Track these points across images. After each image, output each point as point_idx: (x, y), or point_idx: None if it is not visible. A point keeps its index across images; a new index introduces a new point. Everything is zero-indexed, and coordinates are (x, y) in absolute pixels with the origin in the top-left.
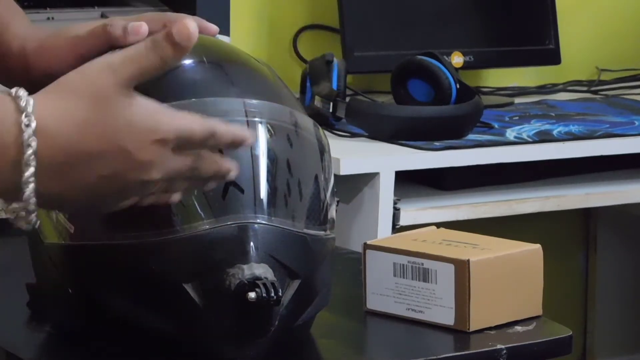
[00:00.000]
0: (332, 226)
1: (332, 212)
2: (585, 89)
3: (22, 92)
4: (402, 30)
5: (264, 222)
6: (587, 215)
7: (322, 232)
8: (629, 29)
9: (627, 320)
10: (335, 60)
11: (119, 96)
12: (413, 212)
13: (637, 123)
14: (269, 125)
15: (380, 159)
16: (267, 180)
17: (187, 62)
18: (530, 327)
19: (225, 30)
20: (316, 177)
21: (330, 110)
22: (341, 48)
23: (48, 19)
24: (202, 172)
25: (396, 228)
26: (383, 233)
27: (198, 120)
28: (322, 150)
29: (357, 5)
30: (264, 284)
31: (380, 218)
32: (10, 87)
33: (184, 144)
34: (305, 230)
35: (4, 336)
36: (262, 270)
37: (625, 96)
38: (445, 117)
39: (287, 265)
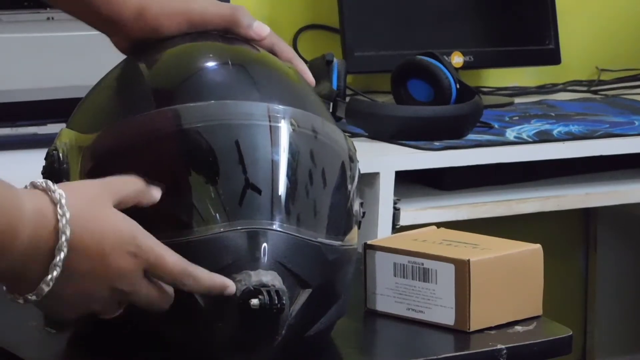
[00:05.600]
0: (354, 237)
1: (354, 223)
2: (585, 89)
3: (64, 202)
4: (402, 30)
5: (275, 228)
6: (587, 215)
7: (338, 242)
8: (629, 29)
9: (627, 320)
10: (335, 60)
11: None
12: (413, 212)
13: (637, 123)
14: (291, 131)
15: (380, 159)
16: (282, 186)
17: (211, 64)
18: (530, 327)
19: None
20: (338, 187)
21: (330, 110)
22: (341, 48)
23: (48, 19)
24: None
25: (396, 228)
26: (383, 233)
27: (175, 256)
28: (349, 160)
29: (357, 5)
30: (268, 291)
31: (380, 218)
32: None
33: (155, 272)
34: (320, 239)
35: (4, 336)
36: (269, 277)
37: (625, 96)
38: (445, 117)
39: (297, 274)
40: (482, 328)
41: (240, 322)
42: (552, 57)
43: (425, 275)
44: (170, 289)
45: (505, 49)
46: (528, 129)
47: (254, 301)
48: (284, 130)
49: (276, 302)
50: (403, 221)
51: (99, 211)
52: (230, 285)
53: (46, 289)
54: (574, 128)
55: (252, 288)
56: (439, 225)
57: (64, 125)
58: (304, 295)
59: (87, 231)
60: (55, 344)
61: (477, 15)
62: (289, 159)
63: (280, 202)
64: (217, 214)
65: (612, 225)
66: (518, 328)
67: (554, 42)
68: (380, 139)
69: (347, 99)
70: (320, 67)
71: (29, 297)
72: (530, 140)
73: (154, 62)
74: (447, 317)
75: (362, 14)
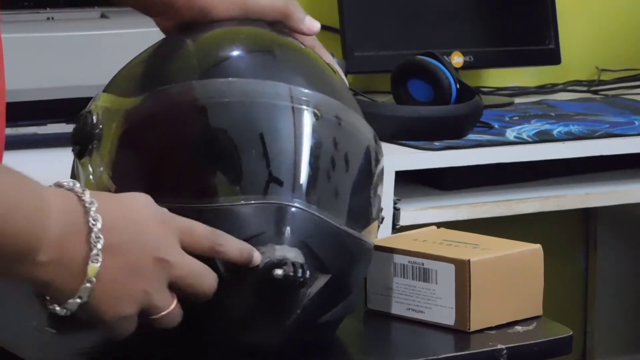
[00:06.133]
0: (372, 234)
1: (375, 223)
2: (585, 89)
3: (93, 209)
4: (402, 30)
5: (302, 207)
6: (587, 215)
7: (358, 234)
8: (629, 29)
9: (627, 320)
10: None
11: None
12: (413, 212)
13: (637, 123)
14: (314, 115)
15: None
16: (309, 167)
17: (252, 47)
18: (530, 327)
19: None
20: (361, 177)
21: None
22: (341, 48)
23: (48, 19)
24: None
25: (396, 228)
26: (383, 233)
27: (203, 224)
28: (374, 157)
29: (357, 5)
30: (293, 264)
31: None
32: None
33: (188, 239)
34: (344, 227)
35: (4, 336)
36: (293, 253)
37: (625, 96)
38: (445, 117)
39: (319, 257)
40: (482, 328)
41: (259, 294)
42: (552, 57)
43: (425, 275)
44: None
45: (505, 49)
46: (528, 129)
47: (278, 271)
48: (307, 112)
49: (299, 274)
50: (403, 221)
51: (122, 195)
52: (256, 256)
53: (97, 265)
54: (574, 128)
55: (275, 261)
56: (439, 225)
57: (64, 125)
58: (322, 280)
59: (114, 208)
60: (55, 344)
61: (477, 15)
62: (313, 141)
63: (305, 181)
64: (247, 186)
65: (612, 225)
66: (518, 328)
67: (554, 42)
68: (380, 139)
69: None
70: None
71: (82, 288)
72: (530, 140)
73: (198, 38)
74: (447, 317)
75: (362, 14)
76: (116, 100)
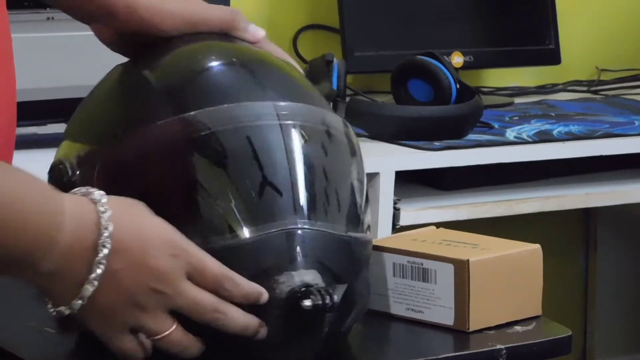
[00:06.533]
0: (369, 228)
1: (368, 214)
2: (585, 89)
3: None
4: (402, 30)
5: (308, 227)
6: (587, 215)
7: (362, 235)
8: (629, 29)
9: (627, 320)
10: (335, 60)
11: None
12: (413, 212)
13: (637, 123)
14: (302, 128)
15: (380, 159)
16: (306, 184)
17: (216, 64)
18: (530, 327)
19: None
20: (351, 179)
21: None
22: (341, 48)
23: (48, 19)
24: (226, 324)
25: (396, 228)
26: (383, 233)
27: (215, 260)
28: (354, 151)
29: (357, 5)
30: (319, 291)
31: (380, 218)
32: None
33: (197, 275)
34: (349, 233)
35: (4, 336)
36: (311, 276)
37: (625, 96)
38: (445, 117)
39: (333, 270)
40: (481, 328)
41: (287, 323)
42: (552, 57)
43: (424, 275)
44: (212, 296)
45: (505, 49)
46: (528, 129)
47: (307, 302)
48: (294, 128)
49: (327, 301)
50: (403, 221)
51: (138, 213)
52: (264, 293)
53: (91, 289)
54: (574, 128)
55: (297, 289)
56: (438, 225)
57: (64, 125)
58: (340, 291)
59: (128, 230)
60: (55, 344)
61: (477, 15)
62: (305, 157)
63: (305, 200)
64: (250, 218)
65: (612, 225)
66: (517, 328)
67: (554, 42)
68: (380, 139)
69: (347, 99)
70: (320, 67)
71: (74, 303)
72: (530, 140)
73: (158, 67)
74: (446, 317)
75: (362, 14)
76: (85, 148)
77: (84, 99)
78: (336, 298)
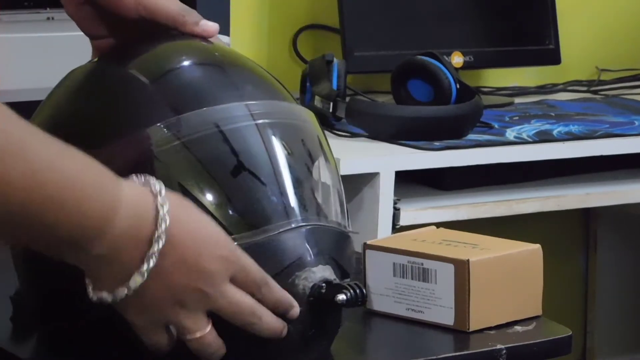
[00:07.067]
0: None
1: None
2: (585, 89)
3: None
4: (402, 30)
5: (316, 223)
6: (587, 215)
7: (351, 229)
8: (629, 29)
9: (627, 320)
10: (335, 60)
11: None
12: (413, 212)
13: (637, 123)
14: (288, 127)
15: (380, 159)
16: (302, 181)
17: (186, 64)
18: (530, 327)
19: (225, 30)
20: (337, 173)
21: (330, 110)
22: (341, 48)
23: (48, 19)
24: (259, 328)
25: (396, 228)
26: (383, 233)
27: (257, 265)
28: (327, 141)
29: (357, 5)
30: (350, 286)
31: (380, 218)
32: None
33: (240, 278)
34: (348, 229)
35: (4, 336)
36: (328, 272)
37: (625, 96)
38: (445, 117)
39: (341, 265)
40: (481, 328)
41: (308, 318)
42: (552, 57)
43: (424, 275)
44: (252, 300)
45: (505, 49)
46: (528, 129)
47: (341, 297)
48: (273, 126)
49: (359, 295)
50: (403, 221)
51: (193, 210)
52: (296, 307)
53: (140, 280)
54: (574, 128)
55: (320, 284)
56: (438, 225)
57: None
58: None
59: (183, 226)
60: (54, 344)
61: (477, 15)
62: (293, 155)
63: (307, 197)
64: (267, 216)
65: (612, 225)
66: (518, 328)
67: (554, 42)
68: (380, 139)
69: (347, 99)
70: (320, 67)
71: (119, 291)
72: (530, 140)
73: (125, 75)
74: (446, 317)
75: (362, 14)
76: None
77: (48, 100)
78: (365, 292)
